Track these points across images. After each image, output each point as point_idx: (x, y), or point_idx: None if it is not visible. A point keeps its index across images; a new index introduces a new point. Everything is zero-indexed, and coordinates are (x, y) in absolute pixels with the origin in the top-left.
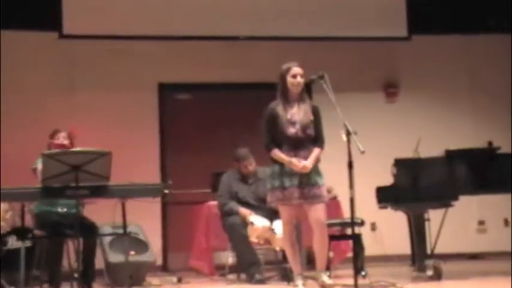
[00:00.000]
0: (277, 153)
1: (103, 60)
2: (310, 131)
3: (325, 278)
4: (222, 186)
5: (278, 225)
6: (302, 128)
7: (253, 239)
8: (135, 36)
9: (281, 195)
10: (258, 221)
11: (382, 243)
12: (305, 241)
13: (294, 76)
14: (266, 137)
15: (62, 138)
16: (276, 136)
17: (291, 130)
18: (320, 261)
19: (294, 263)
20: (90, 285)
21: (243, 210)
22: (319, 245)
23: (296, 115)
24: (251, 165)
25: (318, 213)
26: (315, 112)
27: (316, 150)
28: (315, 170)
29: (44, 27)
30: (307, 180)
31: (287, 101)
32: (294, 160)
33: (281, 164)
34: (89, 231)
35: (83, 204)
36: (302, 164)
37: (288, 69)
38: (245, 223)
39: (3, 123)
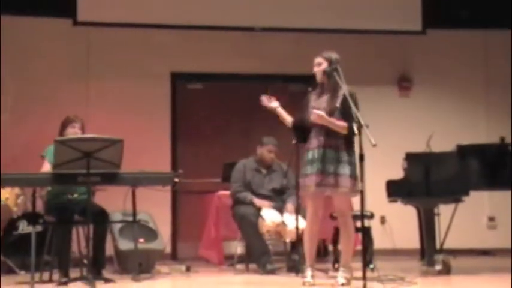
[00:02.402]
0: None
1: (116, 49)
2: (335, 118)
3: (338, 278)
4: (236, 173)
5: (289, 218)
6: (326, 115)
7: (263, 232)
8: (149, 25)
9: (302, 182)
10: (268, 217)
11: (392, 236)
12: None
13: (314, 66)
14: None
15: (76, 128)
16: (308, 124)
17: (313, 116)
18: (343, 254)
19: (309, 254)
20: (100, 271)
21: (259, 202)
22: (343, 237)
23: (324, 102)
24: (273, 153)
25: (339, 203)
26: (345, 100)
27: (339, 121)
28: (338, 158)
29: (59, 14)
30: (324, 168)
31: (321, 89)
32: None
33: (307, 152)
34: (99, 217)
35: (93, 191)
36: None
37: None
38: (257, 213)
39: (17, 110)
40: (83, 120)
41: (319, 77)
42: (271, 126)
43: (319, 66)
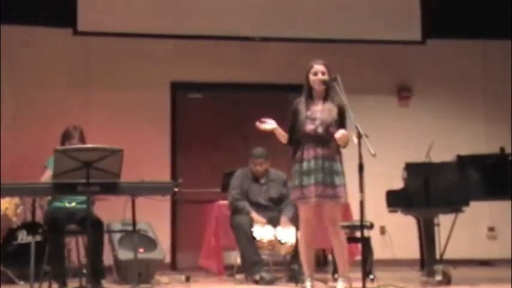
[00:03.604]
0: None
1: (116, 59)
2: (333, 130)
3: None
4: (234, 181)
5: (282, 233)
6: (323, 126)
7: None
8: (149, 35)
9: (300, 194)
10: (260, 234)
11: (391, 247)
12: (314, 243)
13: (315, 74)
14: (288, 132)
15: (74, 145)
16: (298, 133)
17: (310, 126)
18: (339, 265)
19: (306, 264)
20: (99, 281)
21: (256, 217)
22: (336, 247)
23: (318, 112)
24: (261, 166)
25: (331, 212)
26: (341, 111)
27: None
28: (333, 169)
29: (59, 23)
30: (323, 179)
31: (311, 98)
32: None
33: (300, 163)
34: (94, 227)
35: (93, 201)
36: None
37: (310, 67)
38: (253, 223)
39: (17, 119)
40: (82, 129)
41: (322, 86)
42: (271, 136)
43: (324, 74)
